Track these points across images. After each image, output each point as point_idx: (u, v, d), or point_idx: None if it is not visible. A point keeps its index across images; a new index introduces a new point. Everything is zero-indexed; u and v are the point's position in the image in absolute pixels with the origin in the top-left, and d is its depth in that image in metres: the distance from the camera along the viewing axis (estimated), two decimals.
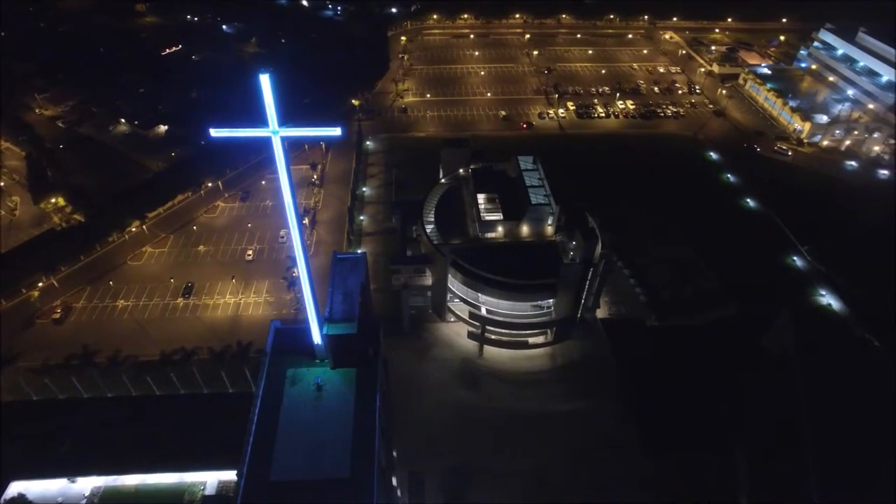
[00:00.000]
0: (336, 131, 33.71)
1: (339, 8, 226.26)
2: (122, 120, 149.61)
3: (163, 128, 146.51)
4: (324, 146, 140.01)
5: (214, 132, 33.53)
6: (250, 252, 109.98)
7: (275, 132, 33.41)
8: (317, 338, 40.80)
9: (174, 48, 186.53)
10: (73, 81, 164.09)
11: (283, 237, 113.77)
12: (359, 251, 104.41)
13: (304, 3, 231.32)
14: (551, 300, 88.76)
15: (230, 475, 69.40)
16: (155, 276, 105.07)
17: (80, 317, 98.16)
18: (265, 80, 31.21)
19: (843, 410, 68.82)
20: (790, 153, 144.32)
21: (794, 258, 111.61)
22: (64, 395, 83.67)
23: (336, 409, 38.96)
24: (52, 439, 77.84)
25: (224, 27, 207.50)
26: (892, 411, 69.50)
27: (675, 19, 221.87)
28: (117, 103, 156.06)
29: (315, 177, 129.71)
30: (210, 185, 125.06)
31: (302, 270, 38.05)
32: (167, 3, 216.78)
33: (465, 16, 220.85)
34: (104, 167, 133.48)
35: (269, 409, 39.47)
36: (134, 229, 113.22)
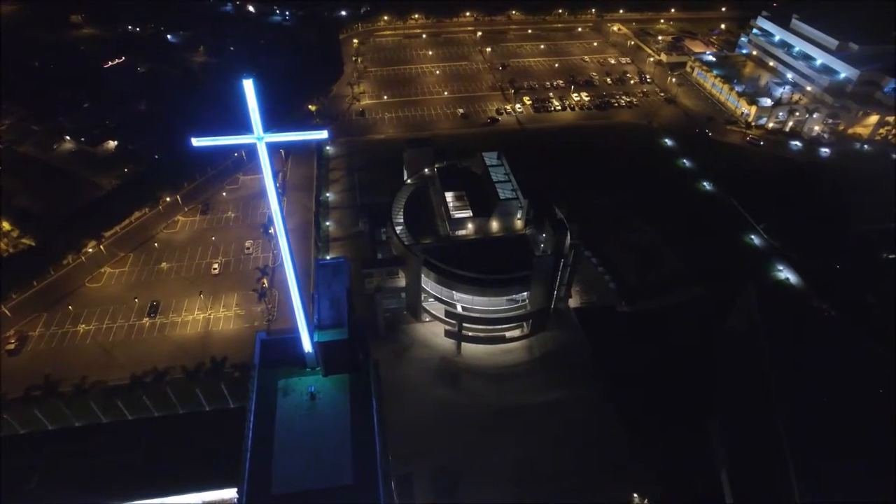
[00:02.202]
0: (322, 134, 33.14)
1: (287, 13, 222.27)
2: (67, 137, 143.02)
3: (112, 143, 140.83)
4: (283, 153, 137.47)
5: (196, 142, 32.21)
6: (216, 266, 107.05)
7: (260, 138, 32.49)
8: (307, 346, 40.05)
9: (117, 60, 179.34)
10: (7, 98, 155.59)
11: (248, 249, 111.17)
12: (328, 257, 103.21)
13: (251, 9, 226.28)
14: (525, 293, 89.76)
15: (215, 495, 67.54)
16: (117, 297, 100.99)
17: (38, 345, 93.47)
18: (248, 86, 30.30)
19: (809, 376, 72.28)
20: (762, 143, 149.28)
21: (752, 237, 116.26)
22: (26, 430, 79.39)
23: (332, 416, 38.36)
24: (16, 477, 73.76)
25: (169, 37, 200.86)
26: (853, 374, 73.55)
27: (621, 11, 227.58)
28: (60, 120, 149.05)
29: (277, 184, 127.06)
30: (168, 199, 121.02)
31: (291, 278, 37.29)
32: (105, 14, 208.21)
33: (416, 16, 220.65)
34: (51, 187, 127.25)
35: (264, 423, 38.54)
36: (90, 250, 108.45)
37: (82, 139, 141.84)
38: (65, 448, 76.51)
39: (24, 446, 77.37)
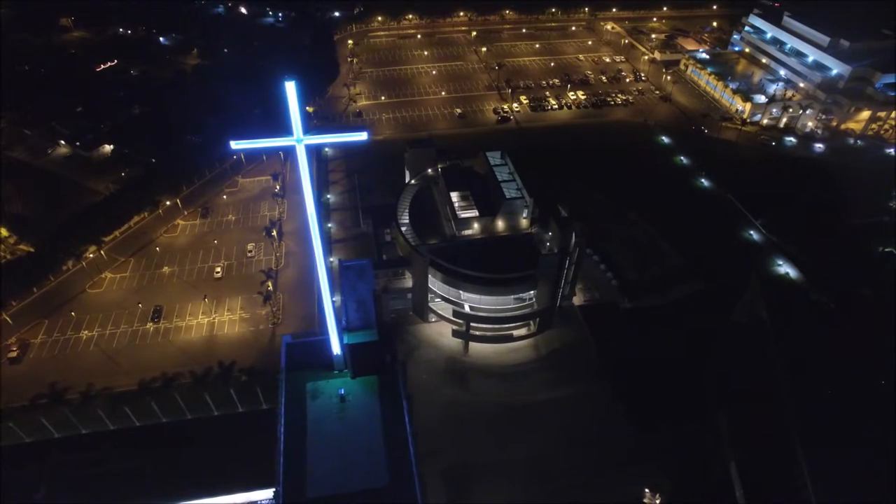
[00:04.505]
0: (362, 136, 33.10)
1: (279, 14, 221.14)
2: (62, 142, 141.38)
3: (107, 147, 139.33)
4: (282, 156, 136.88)
5: (235, 145, 32.12)
6: (218, 269, 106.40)
7: (299, 140, 32.42)
8: (336, 348, 39.92)
9: (109, 63, 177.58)
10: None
11: (250, 252, 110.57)
12: (330, 259, 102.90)
13: (243, 10, 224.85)
14: (532, 291, 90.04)
15: (226, 500, 67.03)
16: (119, 303, 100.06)
17: (41, 353, 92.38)
18: (290, 88, 30.18)
19: (815, 369, 73.23)
20: (773, 143, 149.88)
21: (751, 232, 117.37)
22: (31, 439, 78.52)
23: (363, 418, 38.35)
24: (24, 487, 72.98)
25: (161, 39, 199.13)
26: (856, 367, 74.53)
27: (613, 10, 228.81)
28: (53, 124, 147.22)
29: (278, 187, 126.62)
30: (167, 203, 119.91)
31: (323, 281, 37.15)
32: (95, 17, 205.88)
33: (410, 16, 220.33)
34: (47, 193, 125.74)
35: (295, 426, 38.40)
36: (91, 255, 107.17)
37: (77, 144, 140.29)
38: (73, 456, 75.92)
39: (30, 455, 76.72)
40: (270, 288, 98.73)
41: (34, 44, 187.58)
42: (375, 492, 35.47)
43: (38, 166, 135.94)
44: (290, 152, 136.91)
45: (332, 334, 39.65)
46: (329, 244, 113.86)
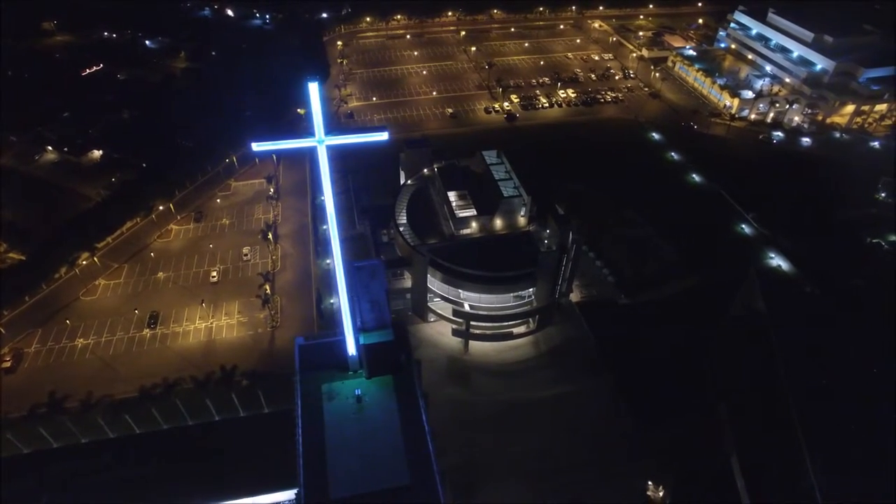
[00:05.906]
0: (383, 136, 33.08)
1: (267, 16, 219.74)
2: (49, 147, 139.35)
3: (97, 153, 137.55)
4: (275, 158, 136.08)
5: (256, 146, 31.98)
6: (214, 273, 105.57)
7: (320, 141, 32.36)
8: (351, 349, 39.87)
9: (95, 68, 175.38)
10: None
11: (246, 255, 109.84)
12: (327, 261, 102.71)
13: (230, 13, 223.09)
14: (531, 289, 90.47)
15: (240, 503, 66.68)
16: (114, 310, 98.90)
17: (35, 362, 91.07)
18: (313, 88, 30.08)
19: (815, 361, 74.11)
20: (774, 141, 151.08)
21: (743, 226, 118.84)
22: (30, 449, 77.41)
23: (381, 418, 38.34)
24: (25, 498, 71.96)
25: (147, 43, 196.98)
26: (855, 357, 75.54)
27: (601, 8, 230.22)
28: (39, 129, 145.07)
29: (272, 190, 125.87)
30: (160, 208, 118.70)
31: (340, 282, 37.06)
32: (79, 21, 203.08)
33: (398, 16, 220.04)
34: (36, 200, 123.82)
35: (313, 428, 38.23)
36: (84, 262, 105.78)
37: (65, 149, 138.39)
38: (73, 465, 74.96)
39: (29, 466, 75.61)
40: (268, 291, 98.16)
41: (17, 48, 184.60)
42: (398, 491, 35.51)
43: (27, 173, 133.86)
44: (283, 155, 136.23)
45: (348, 335, 39.62)
46: (326, 246, 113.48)
